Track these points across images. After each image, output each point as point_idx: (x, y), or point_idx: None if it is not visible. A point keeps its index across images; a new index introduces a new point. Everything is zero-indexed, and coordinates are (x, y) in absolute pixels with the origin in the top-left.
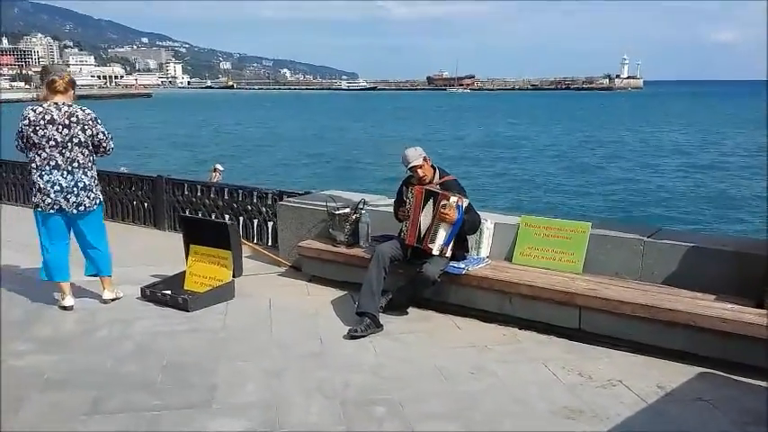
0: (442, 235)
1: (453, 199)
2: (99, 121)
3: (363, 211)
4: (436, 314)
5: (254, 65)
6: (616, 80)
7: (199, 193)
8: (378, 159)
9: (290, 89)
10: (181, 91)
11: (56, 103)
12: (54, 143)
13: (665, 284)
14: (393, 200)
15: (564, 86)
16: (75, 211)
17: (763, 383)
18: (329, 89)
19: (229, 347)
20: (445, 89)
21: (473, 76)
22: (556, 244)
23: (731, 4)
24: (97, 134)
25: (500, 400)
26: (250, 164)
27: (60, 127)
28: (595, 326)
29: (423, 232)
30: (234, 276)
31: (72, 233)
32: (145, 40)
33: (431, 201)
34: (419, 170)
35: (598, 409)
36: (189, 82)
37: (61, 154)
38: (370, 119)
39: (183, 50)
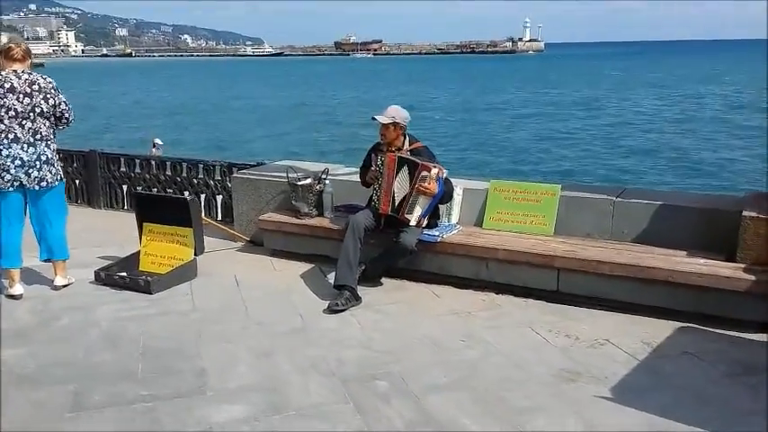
0: (419, 206)
1: (434, 171)
2: (59, 90)
3: (327, 181)
4: (411, 283)
5: (153, 31)
6: (519, 43)
7: (138, 168)
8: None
9: (191, 56)
10: (75, 60)
11: (15, 71)
12: (14, 113)
13: (636, 243)
14: (354, 169)
15: (469, 50)
16: (36, 187)
17: (741, 335)
18: (234, 55)
19: (207, 329)
20: (348, 54)
21: (380, 41)
22: (526, 207)
23: None
24: (59, 104)
25: (499, 367)
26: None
27: (21, 96)
28: (573, 287)
29: (397, 201)
30: (195, 254)
31: (27, 213)
32: (33, 6)
33: (405, 169)
34: (383, 131)
35: (594, 369)
36: (83, 50)
37: (21, 126)
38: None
39: (75, 17)
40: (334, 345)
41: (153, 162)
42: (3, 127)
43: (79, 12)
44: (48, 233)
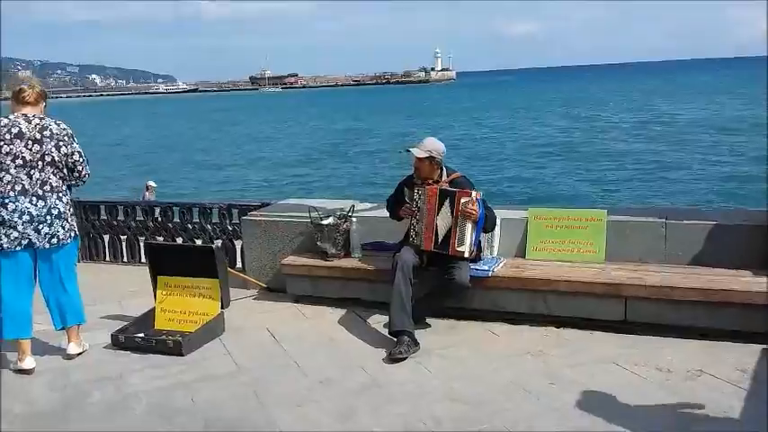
0: (468, 234)
1: (474, 194)
2: (75, 138)
3: (354, 219)
4: (460, 322)
5: (59, 72)
6: (432, 73)
7: (120, 216)
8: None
9: (101, 95)
10: None
11: (24, 115)
12: (22, 162)
13: (692, 265)
14: (371, 205)
15: (384, 81)
16: (47, 245)
17: None
18: (146, 93)
19: (266, 392)
20: (257, 89)
21: (296, 75)
22: (571, 235)
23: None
24: (72, 153)
25: (610, 410)
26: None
27: (30, 142)
28: (642, 315)
29: (441, 236)
30: (222, 307)
31: (37, 276)
32: None
33: (447, 201)
34: (417, 165)
35: (709, 403)
36: None
37: (29, 176)
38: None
39: None
40: (418, 399)
41: (138, 208)
42: (9, 178)
43: None
44: (62, 298)
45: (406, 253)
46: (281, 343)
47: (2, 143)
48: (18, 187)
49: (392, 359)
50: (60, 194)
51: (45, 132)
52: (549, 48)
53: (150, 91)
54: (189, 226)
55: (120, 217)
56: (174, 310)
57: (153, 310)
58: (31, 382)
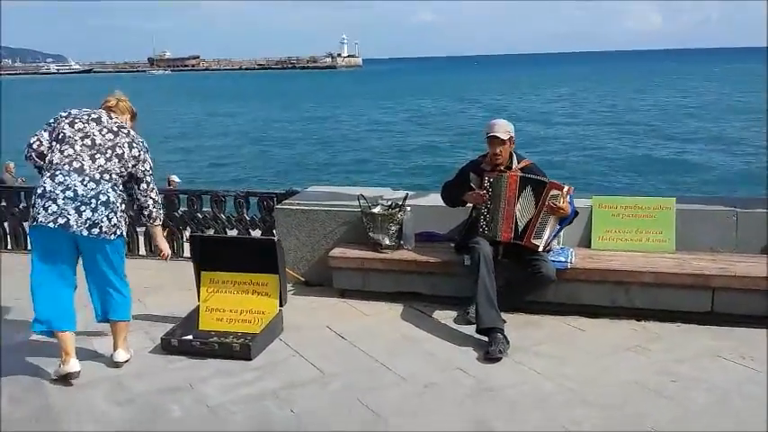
0: (549, 229)
1: (565, 189)
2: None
3: (408, 209)
4: (533, 317)
5: None
6: (338, 59)
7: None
8: None
9: None
10: None
11: (108, 112)
12: (90, 143)
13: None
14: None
15: (290, 65)
16: (85, 232)
17: None
18: (35, 74)
19: (370, 401)
20: (145, 71)
21: (197, 57)
22: (639, 224)
23: None
24: (145, 161)
25: (755, 409)
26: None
27: (105, 130)
28: (729, 306)
29: (521, 226)
30: (281, 305)
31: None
32: None
33: (528, 190)
34: (498, 146)
35: None
36: None
37: (93, 159)
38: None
39: None
40: (544, 403)
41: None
42: (71, 152)
43: None
44: (106, 296)
45: (485, 245)
46: (355, 344)
47: (77, 120)
48: (76, 164)
49: (489, 359)
50: (116, 187)
51: (122, 129)
52: (452, 36)
53: (41, 71)
54: (199, 215)
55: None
56: (223, 309)
57: (197, 309)
58: (86, 394)
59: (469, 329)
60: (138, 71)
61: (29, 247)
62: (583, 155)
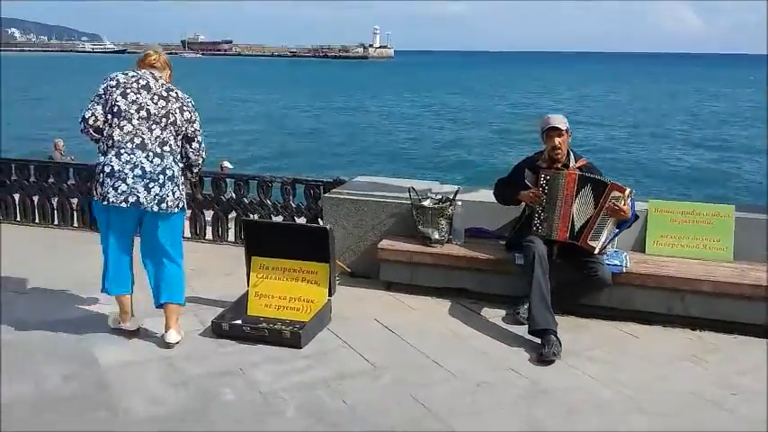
0: (606, 231)
1: (627, 191)
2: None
3: (459, 203)
4: (583, 320)
5: None
6: (370, 49)
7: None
8: None
9: (22, 51)
10: None
11: (152, 73)
12: (145, 114)
13: None
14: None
15: (322, 54)
16: (155, 208)
17: None
18: (71, 51)
19: (423, 397)
20: (177, 54)
21: (230, 41)
22: (696, 230)
23: None
24: (194, 121)
25: None
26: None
27: (156, 97)
28: None
29: (577, 226)
30: (330, 295)
31: (140, 242)
32: None
33: (588, 189)
34: (557, 138)
35: None
36: None
37: (150, 130)
38: None
39: None
40: (601, 409)
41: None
42: (130, 128)
43: None
44: (163, 272)
45: (540, 244)
46: (403, 337)
47: (129, 90)
48: (137, 140)
49: (542, 361)
50: (176, 158)
51: (171, 93)
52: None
53: (76, 49)
54: (245, 200)
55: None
56: (272, 295)
57: (246, 294)
58: (139, 374)
59: (519, 329)
60: (170, 53)
61: (75, 224)
62: (613, 157)
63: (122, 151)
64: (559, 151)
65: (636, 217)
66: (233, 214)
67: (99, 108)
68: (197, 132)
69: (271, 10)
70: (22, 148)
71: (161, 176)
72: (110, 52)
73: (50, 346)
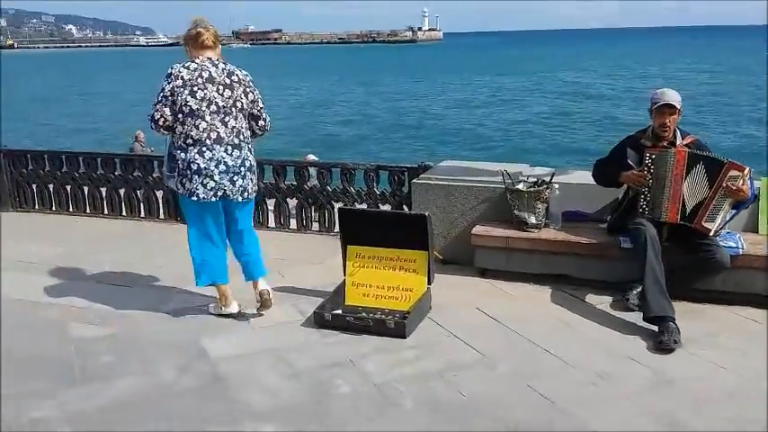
0: (723, 212)
1: (747, 170)
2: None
3: (556, 187)
4: (696, 305)
5: (34, 21)
6: (419, 33)
7: (271, 179)
8: None
9: (79, 47)
10: None
11: (209, 59)
12: (215, 108)
13: None
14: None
15: (371, 39)
16: (240, 198)
17: None
18: (126, 46)
19: (544, 388)
20: (225, 44)
21: (280, 30)
22: None
23: None
24: (257, 100)
25: None
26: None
27: (221, 87)
28: None
29: (689, 208)
30: (429, 283)
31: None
32: None
33: (700, 168)
34: (668, 116)
35: None
36: None
37: (223, 123)
38: None
39: None
40: (733, 400)
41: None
42: (204, 125)
43: None
44: (247, 252)
45: (650, 226)
46: (508, 325)
47: (196, 87)
48: (213, 135)
49: (662, 349)
50: (250, 146)
51: (233, 77)
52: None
53: (131, 43)
54: (328, 188)
55: (271, 180)
56: (369, 284)
57: (343, 283)
58: (252, 367)
59: (630, 316)
60: (222, 44)
61: (161, 215)
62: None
63: (204, 148)
64: (667, 130)
65: (755, 197)
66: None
67: (167, 110)
68: (262, 110)
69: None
70: (90, 143)
71: (242, 168)
72: (163, 45)
73: (159, 338)
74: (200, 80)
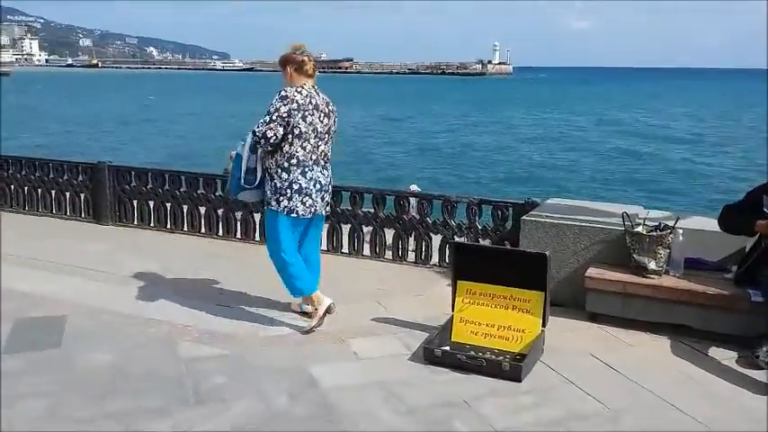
0: None
1: None
2: None
3: (680, 231)
4: None
5: (118, 42)
6: (488, 66)
7: (366, 206)
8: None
9: (159, 68)
10: (40, 69)
11: (314, 87)
12: (316, 134)
13: None
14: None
15: (440, 71)
16: (323, 213)
17: None
18: (203, 69)
19: None
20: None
21: (351, 59)
22: None
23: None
24: (336, 130)
25: None
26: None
27: (322, 115)
28: None
29: None
30: (543, 325)
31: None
32: None
33: None
34: None
35: None
36: (47, 59)
37: (318, 147)
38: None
39: (38, 26)
40: None
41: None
42: (309, 147)
43: (42, 21)
44: (316, 263)
45: None
46: (629, 376)
47: (306, 113)
48: (314, 157)
49: None
50: (330, 165)
51: (330, 107)
52: (606, 47)
53: (207, 67)
54: (428, 219)
55: (367, 207)
56: (479, 322)
57: (451, 319)
58: (363, 400)
59: (759, 374)
60: None
61: (238, 235)
62: None
63: (306, 169)
64: None
65: None
66: (414, 235)
67: (281, 130)
68: (335, 133)
69: (390, 27)
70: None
71: (329, 186)
72: (238, 70)
73: (267, 362)
74: (309, 106)
